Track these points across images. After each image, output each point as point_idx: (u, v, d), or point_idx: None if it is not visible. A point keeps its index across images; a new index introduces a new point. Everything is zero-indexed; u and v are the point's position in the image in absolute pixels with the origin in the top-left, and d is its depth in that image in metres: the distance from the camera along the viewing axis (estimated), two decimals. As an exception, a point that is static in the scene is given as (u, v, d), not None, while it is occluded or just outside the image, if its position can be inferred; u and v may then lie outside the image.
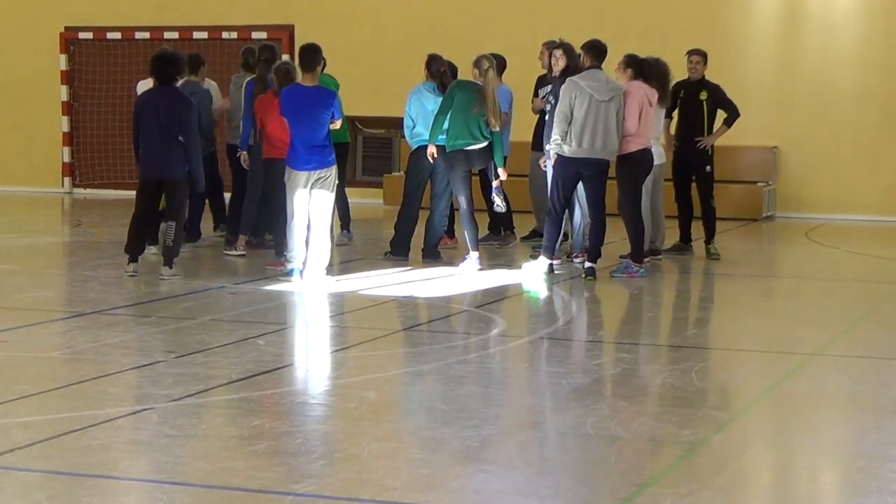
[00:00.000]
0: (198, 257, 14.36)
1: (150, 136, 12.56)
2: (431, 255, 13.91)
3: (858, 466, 6.87)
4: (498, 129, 13.35)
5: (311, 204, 12.28)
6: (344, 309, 11.65)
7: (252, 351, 9.52)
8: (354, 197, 19.54)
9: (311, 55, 12.47)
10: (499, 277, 13.08)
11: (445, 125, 13.34)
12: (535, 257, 13.76)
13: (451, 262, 13.68)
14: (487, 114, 13.23)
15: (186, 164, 12.58)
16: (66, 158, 22.60)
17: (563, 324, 11.18)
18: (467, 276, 13.04)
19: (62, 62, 22.35)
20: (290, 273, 12.43)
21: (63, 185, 22.60)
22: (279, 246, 13.14)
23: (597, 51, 13.12)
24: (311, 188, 12.25)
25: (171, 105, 12.55)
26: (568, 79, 12.97)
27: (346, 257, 14.57)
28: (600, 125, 12.75)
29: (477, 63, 13.43)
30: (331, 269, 12.54)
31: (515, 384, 9.04)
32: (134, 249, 12.81)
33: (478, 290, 12.44)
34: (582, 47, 13.27)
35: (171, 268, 12.60)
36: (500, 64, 14.53)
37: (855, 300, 12.43)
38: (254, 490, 6.28)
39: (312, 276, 12.31)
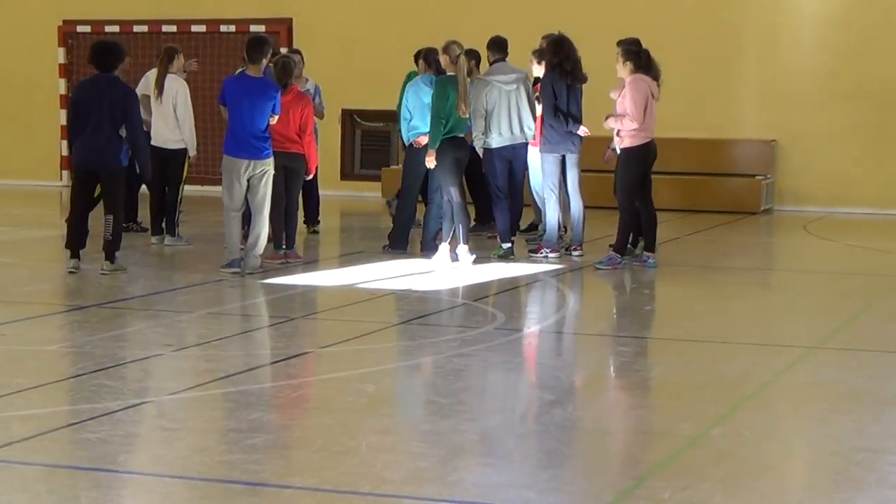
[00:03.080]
0: (196, 251, 14.35)
1: (92, 126, 12.31)
2: (429, 248, 13.91)
3: (857, 459, 6.87)
4: (467, 115, 13.32)
5: (249, 194, 12.32)
6: (342, 302, 11.65)
7: (250, 344, 9.52)
8: (352, 190, 19.60)
9: (258, 47, 12.50)
10: (496, 271, 13.08)
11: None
12: (532, 251, 13.81)
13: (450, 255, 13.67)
14: (458, 100, 13.17)
15: (124, 157, 12.45)
16: (65, 152, 22.57)
17: (561, 317, 11.17)
18: (462, 268, 13.03)
19: (60, 56, 22.37)
20: (231, 265, 12.39)
21: (62, 179, 22.59)
22: (276, 238, 13.20)
23: (498, 46, 14.22)
24: (250, 178, 12.30)
25: (115, 94, 12.36)
26: (477, 78, 13.90)
27: (345, 250, 14.57)
28: (513, 111, 13.80)
29: (447, 49, 13.39)
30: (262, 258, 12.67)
31: (513, 377, 9.04)
32: (74, 245, 12.53)
33: (476, 283, 12.44)
34: (487, 45, 14.10)
35: (112, 262, 12.47)
36: (475, 58, 14.66)
37: (853, 293, 12.43)
38: (252, 483, 6.28)
39: (251, 264, 12.35)
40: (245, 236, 12.71)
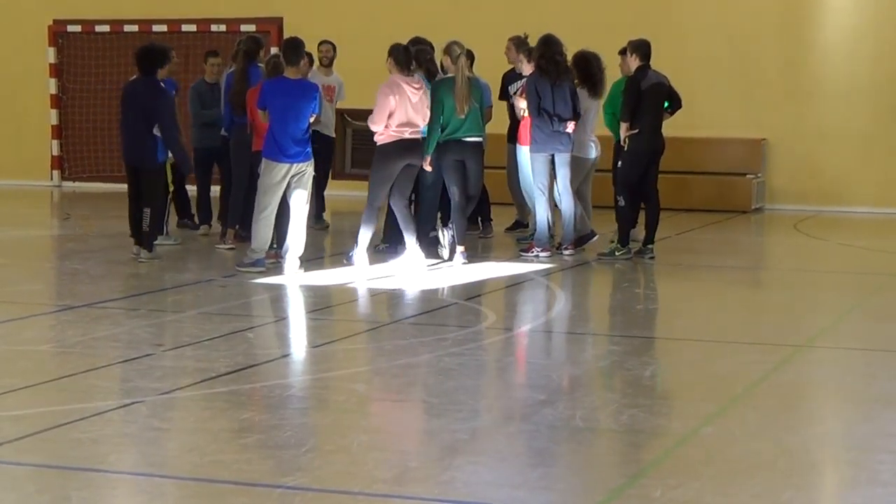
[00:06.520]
0: (187, 250, 14.35)
1: (127, 124, 13.18)
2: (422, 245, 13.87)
3: (848, 458, 6.88)
4: (463, 116, 13.29)
5: (290, 196, 12.36)
6: (333, 301, 11.64)
7: (241, 344, 9.51)
8: (344, 189, 19.57)
9: (295, 49, 12.56)
10: (487, 270, 13.08)
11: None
12: (524, 250, 13.80)
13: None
14: (455, 101, 13.14)
15: (161, 154, 13.13)
16: (55, 152, 22.56)
17: (552, 316, 11.17)
18: (455, 268, 13.03)
19: (51, 55, 22.33)
20: (256, 264, 12.45)
21: (52, 179, 22.56)
22: (239, 223, 13.52)
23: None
24: (290, 181, 12.33)
25: (144, 95, 13.04)
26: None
27: (336, 249, 14.55)
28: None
29: (448, 49, 13.41)
30: (301, 260, 12.60)
31: (505, 376, 9.04)
32: (134, 233, 13.24)
33: (467, 282, 12.43)
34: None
35: (149, 251, 13.11)
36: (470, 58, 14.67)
37: (843, 292, 12.45)
38: (243, 483, 6.28)
39: (290, 267, 12.37)
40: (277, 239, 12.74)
